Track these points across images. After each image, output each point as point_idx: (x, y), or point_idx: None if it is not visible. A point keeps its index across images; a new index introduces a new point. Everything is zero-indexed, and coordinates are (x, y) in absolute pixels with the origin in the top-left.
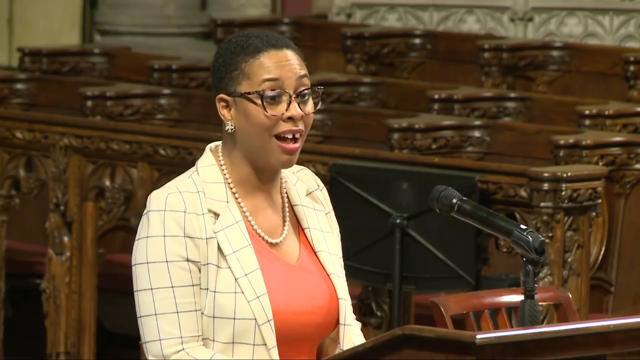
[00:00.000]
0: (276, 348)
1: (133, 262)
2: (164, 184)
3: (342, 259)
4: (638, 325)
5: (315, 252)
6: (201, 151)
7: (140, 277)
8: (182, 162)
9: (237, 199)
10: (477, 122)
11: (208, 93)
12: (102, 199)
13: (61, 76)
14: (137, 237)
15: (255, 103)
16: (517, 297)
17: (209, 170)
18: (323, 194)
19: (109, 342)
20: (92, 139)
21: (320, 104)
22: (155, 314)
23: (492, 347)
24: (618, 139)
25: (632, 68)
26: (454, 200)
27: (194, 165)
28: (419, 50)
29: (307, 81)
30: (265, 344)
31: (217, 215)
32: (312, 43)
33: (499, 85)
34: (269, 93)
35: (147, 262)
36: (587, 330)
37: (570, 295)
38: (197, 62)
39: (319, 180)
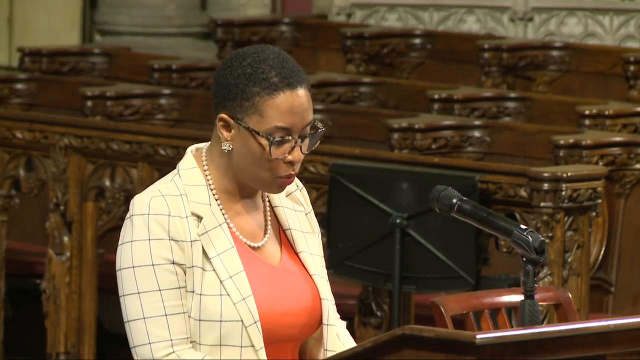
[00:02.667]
0: (264, 349)
1: (118, 267)
2: None
3: (323, 258)
4: (638, 325)
5: (296, 253)
6: None
7: (127, 282)
8: None
9: (218, 203)
10: (477, 122)
11: (208, 93)
12: (102, 199)
13: (61, 76)
14: (120, 242)
15: (260, 143)
16: (517, 297)
17: (191, 173)
18: (303, 194)
19: (109, 342)
20: (92, 139)
21: (318, 143)
22: (144, 318)
23: (492, 347)
24: (618, 139)
25: (632, 68)
26: (454, 200)
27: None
28: (419, 50)
29: (311, 119)
30: (252, 346)
31: (200, 218)
32: (312, 43)
33: (499, 85)
34: (277, 139)
35: (133, 267)
36: (587, 330)
37: (570, 295)
38: (197, 62)
39: (298, 180)
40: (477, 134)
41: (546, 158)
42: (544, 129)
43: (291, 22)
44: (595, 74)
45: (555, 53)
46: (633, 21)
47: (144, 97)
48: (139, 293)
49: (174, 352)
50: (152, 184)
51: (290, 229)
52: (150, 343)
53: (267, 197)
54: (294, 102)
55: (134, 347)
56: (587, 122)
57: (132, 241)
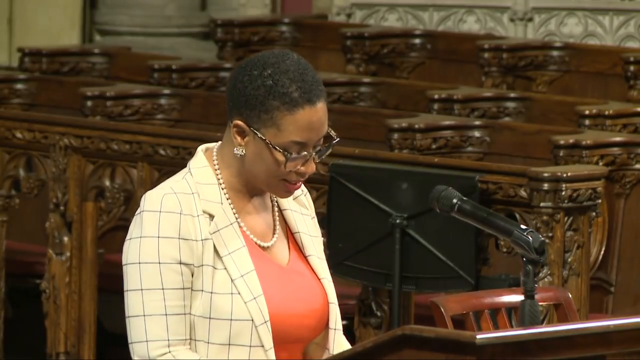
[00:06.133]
0: (273, 349)
1: (124, 262)
2: None
3: (326, 262)
4: (638, 325)
5: (305, 257)
6: None
7: (131, 277)
8: (182, 162)
9: (229, 202)
10: (477, 122)
11: (208, 93)
12: (102, 199)
13: (61, 76)
14: (128, 237)
15: (274, 155)
16: (517, 297)
17: (202, 172)
18: (307, 199)
19: (109, 342)
20: (92, 139)
21: (329, 152)
22: (144, 315)
23: (492, 347)
24: (618, 139)
25: (632, 68)
26: (454, 200)
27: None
28: (419, 50)
29: (325, 131)
30: (262, 346)
31: (211, 216)
32: (312, 43)
33: (499, 85)
34: (294, 155)
35: (139, 263)
36: (587, 330)
37: (570, 295)
38: (197, 62)
39: (302, 185)
40: (477, 134)
41: (546, 158)
42: (544, 129)
43: (291, 22)
44: (595, 74)
45: (555, 53)
46: (633, 21)
47: (144, 97)
48: (142, 290)
49: (169, 352)
50: (151, 184)
51: (299, 232)
52: (147, 341)
53: (276, 200)
54: (313, 118)
55: (132, 343)
56: (587, 122)
57: (140, 237)
